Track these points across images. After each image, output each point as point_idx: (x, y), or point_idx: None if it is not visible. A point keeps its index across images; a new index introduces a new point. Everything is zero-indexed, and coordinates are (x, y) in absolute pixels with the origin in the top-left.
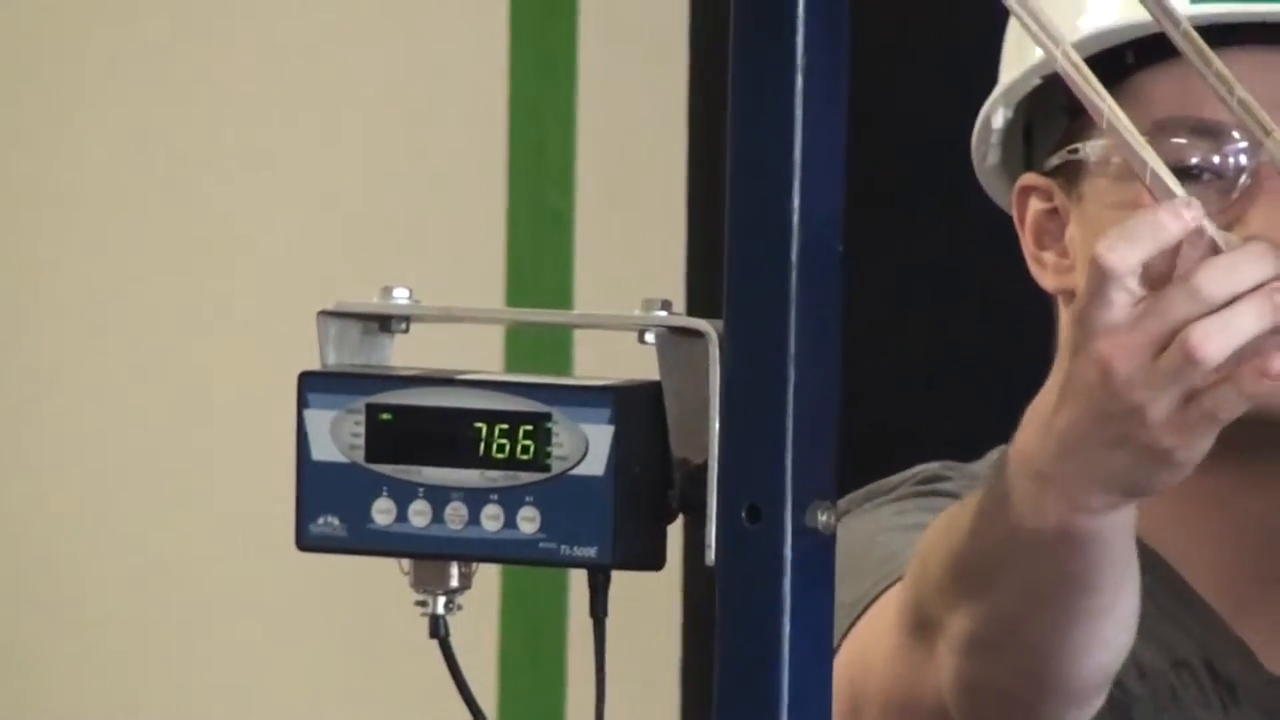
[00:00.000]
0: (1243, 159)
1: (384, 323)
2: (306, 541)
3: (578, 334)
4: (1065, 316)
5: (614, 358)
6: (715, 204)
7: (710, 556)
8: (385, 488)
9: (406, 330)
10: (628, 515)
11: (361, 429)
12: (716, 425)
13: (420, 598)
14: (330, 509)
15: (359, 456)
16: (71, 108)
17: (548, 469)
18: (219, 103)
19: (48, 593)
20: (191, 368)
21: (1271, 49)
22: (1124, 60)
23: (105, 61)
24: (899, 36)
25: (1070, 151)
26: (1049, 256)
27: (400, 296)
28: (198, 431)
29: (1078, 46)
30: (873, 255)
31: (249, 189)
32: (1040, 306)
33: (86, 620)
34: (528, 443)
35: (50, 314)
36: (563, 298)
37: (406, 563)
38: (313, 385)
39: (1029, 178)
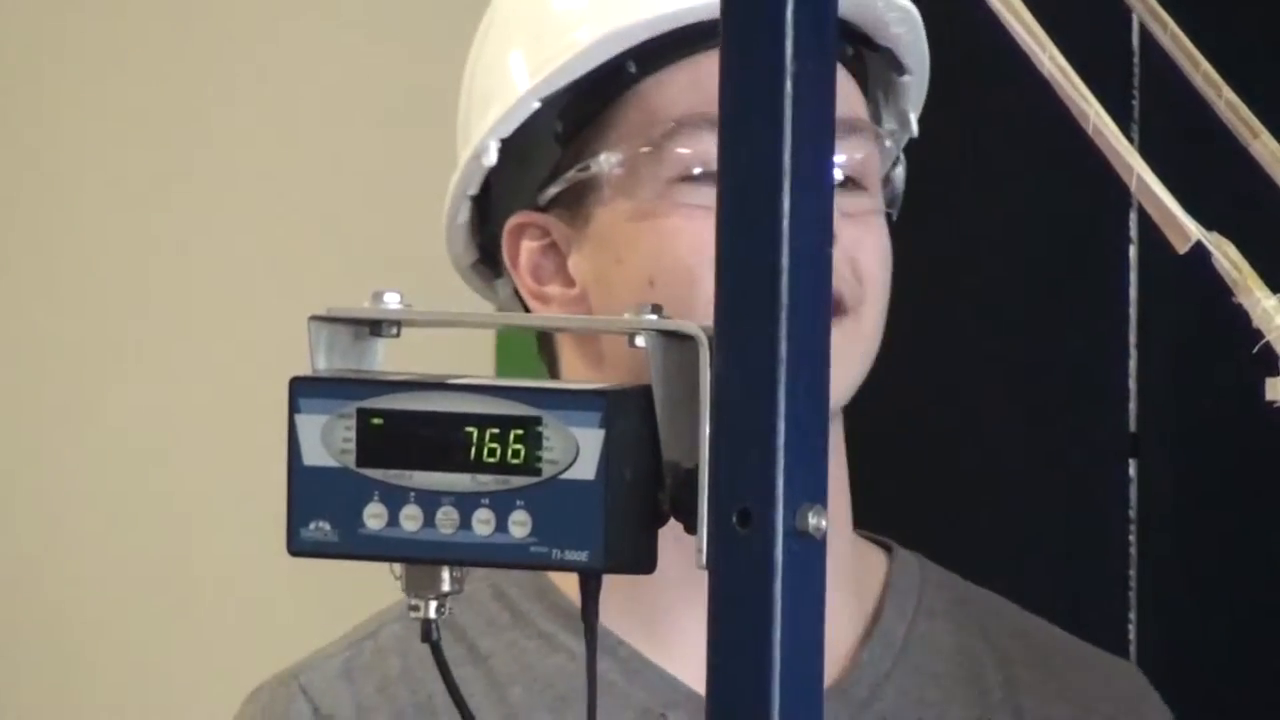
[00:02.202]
0: None
1: (375, 327)
2: (298, 546)
3: None
4: (575, 350)
5: None
6: None
7: (701, 560)
8: (376, 492)
9: (397, 335)
10: (619, 519)
11: (352, 434)
12: (707, 429)
13: (412, 602)
14: (321, 514)
15: (350, 461)
16: (62, 112)
17: (539, 473)
18: (210, 108)
19: (35, 597)
20: (182, 373)
21: None
22: (626, 71)
23: (95, 67)
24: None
25: (580, 171)
26: (553, 290)
27: (391, 301)
28: (188, 437)
29: (583, 58)
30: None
31: (240, 193)
32: (1036, 308)
33: (76, 624)
34: (518, 447)
35: (37, 317)
36: None
37: (398, 567)
38: (303, 390)
39: (520, 216)
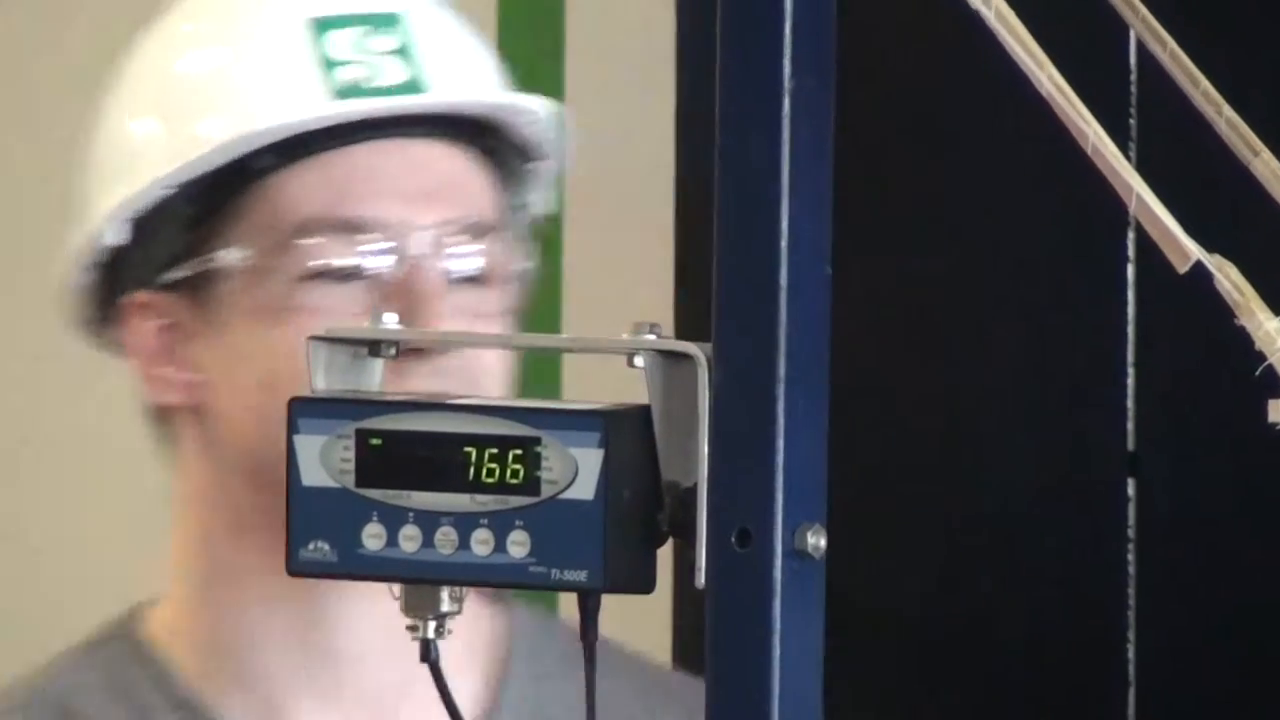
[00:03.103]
0: (389, 258)
1: (373, 348)
2: (296, 567)
3: (566, 357)
4: (191, 430)
5: (603, 381)
6: (704, 227)
7: (700, 580)
8: (375, 513)
9: (396, 355)
10: (618, 539)
11: (351, 454)
12: (706, 448)
13: (411, 622)
14: (320, 534)
15: (349, 482)
16: (55, 111)
17: (537, 493)
18: None
19: (33, 616)
20: None
21: (412, 140)
22: (255, 166)
23: (93, 68)
24: (890, 55)
25: (205, 261)
26: (170, 372)
27: (389, 321)
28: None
29: (213, 155)
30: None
31: None
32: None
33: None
34: (517, 467)
35: (30, 335)
36: (551, 321)
37: (397, 587)
38: (302, 411)
39: (140, 296)
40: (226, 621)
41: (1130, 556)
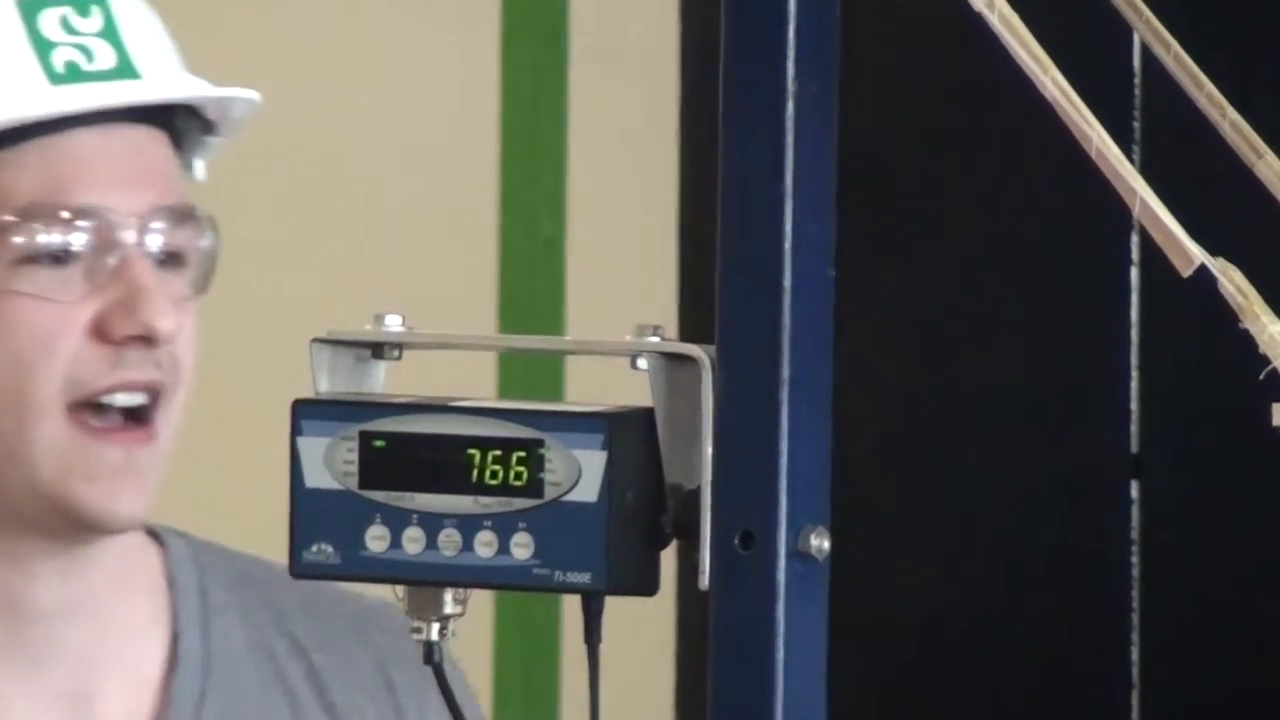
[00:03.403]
0: (106, 243)
1: (377, 350)
2: (300, 569)
3: (570, 360)
4: None
5: (606, 383)
6: (707, 230)
7: (704, 582)
8: (379, 514)
9: (399, 357)
10: (621, 541)
11: (355, 456)
12: (709, 451)
13: (415, 624)
14: (324, 536)
15: (352, 484)
16: None
17: (541, 495)
18: None
19: None
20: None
21: (124, 125)
22: None
23: None
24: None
25: None
26: None
27: (393, 324)
28: (190, 461)
29: None
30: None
31: (242, 217)
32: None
33: None
34: (521, 469)
35: None
36: (555, 324)
37: (401, 589)
38: (306, 413)
39: None
40: None
41: (1134, 558)
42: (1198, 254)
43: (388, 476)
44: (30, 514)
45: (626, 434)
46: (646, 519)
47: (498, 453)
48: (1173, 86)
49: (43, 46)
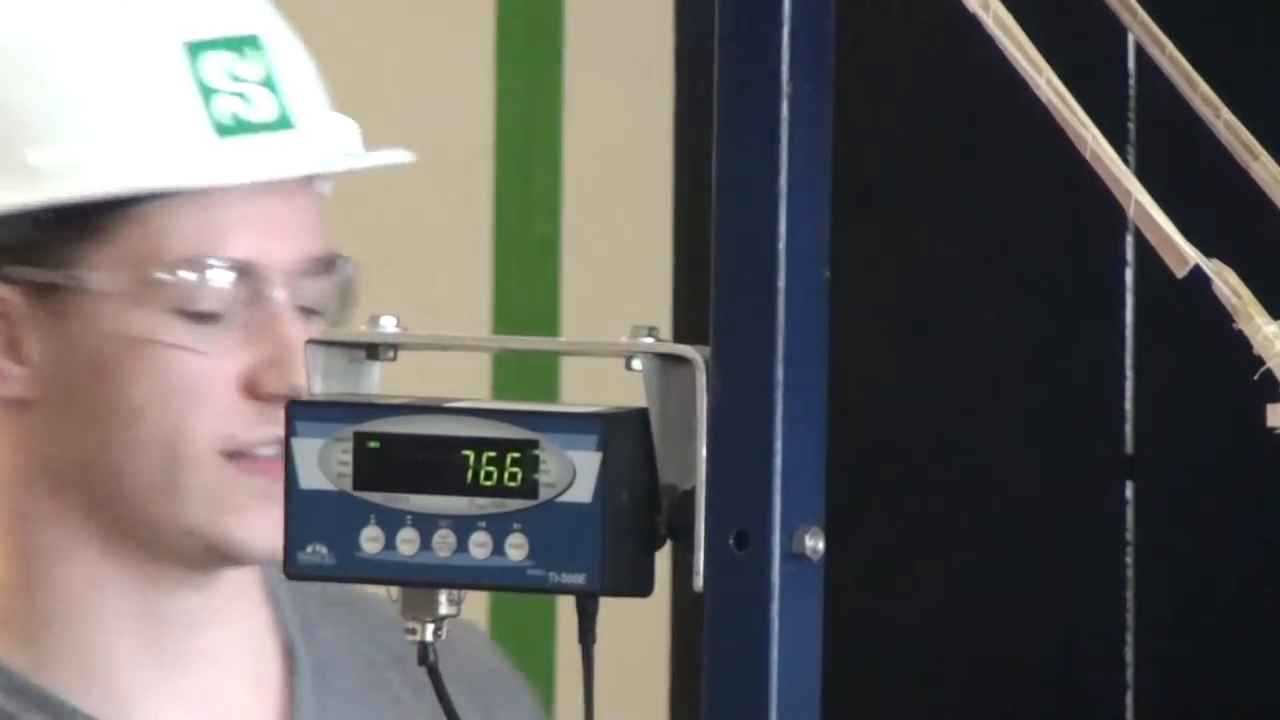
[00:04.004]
0: (254, 300)
1: (372, 351)
2: (295, 569)
3: (565, 361)
4: (9, 416)
5: (601, 384)
6: (702, 230)
7: (698, 583)
8: (373, 515)
9: (394, 358)
10: (616, 542)
11: (349, 457)
12: (704, 451)
13: (409, 625)
14: (318, 537)
15: (347, 485)
16: None
17: (535, 496)
18: None
19: None
20: None
21: (283, 180)
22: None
23: None
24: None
25: (66, 277)
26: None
27: (387, 325)
28: None
29: (96, 197)
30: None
31: None
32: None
33: None
34: (515, 470)
35: None
36: (550, 325)
37: (395, 590)
38: (300, 414)
39: None
40: (56, 605)
41: (1128, 559)
42: (1192, 255)
43: (382, 477)
44: (175, 545)
45: (621, 435)
46: (641, 520)
47: (492, 454)
48: (1168, 87)
49: (207, 93)
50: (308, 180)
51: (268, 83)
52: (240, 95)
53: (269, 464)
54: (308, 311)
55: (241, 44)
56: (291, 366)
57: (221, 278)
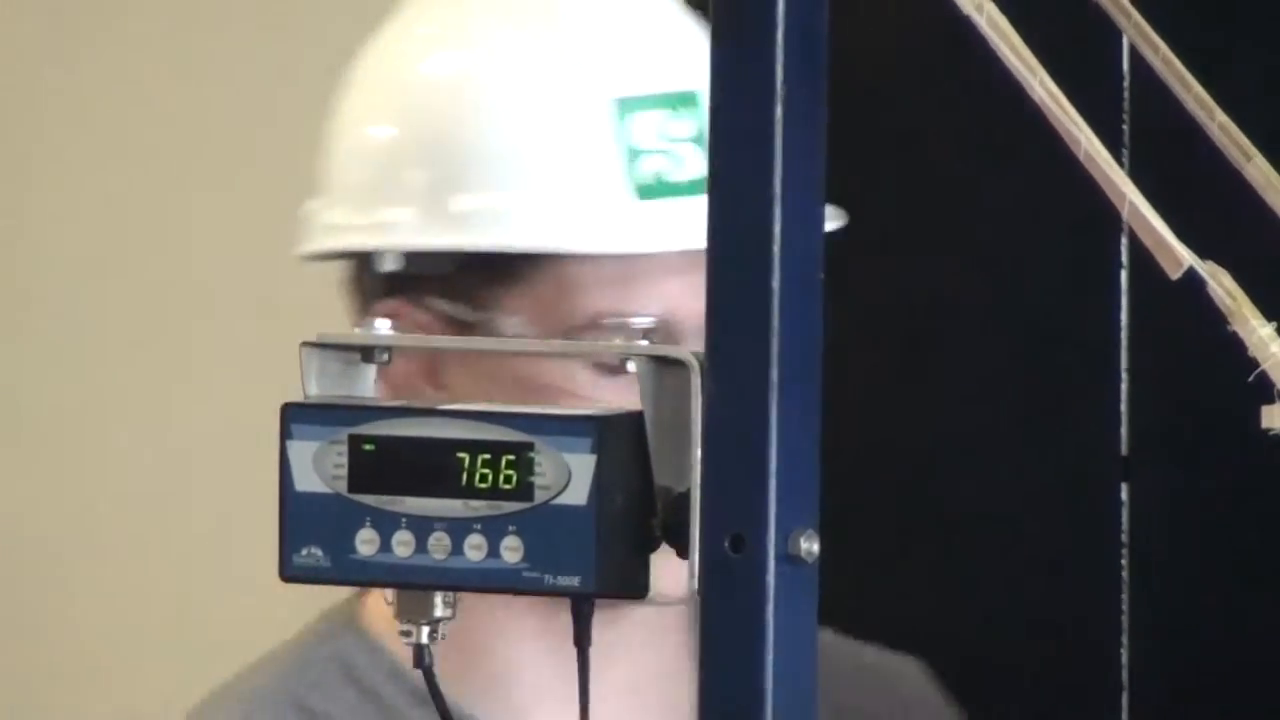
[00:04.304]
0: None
1: (366, 354)
2: (290, 572)
3: None
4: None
5: None
6: None
7: (693, 585)
8: (368, 518)
9: (389, 361)
10: (611, 544)
11: (344, 460)
12: (699, 454)
13: (404, 628)
14: (313, 540)
15: (342, 487)
16: (52, 152)
17: (530, 498)
18: (197, 131)
19: (23, 621)
20: (173, 399)
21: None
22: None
23: (94, 81)
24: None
25: (480, 315)
26: (419, 384)
27: (382, 327)
28: (179, 464)
29: (513, 248)
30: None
31: (231, 219)
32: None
33: (65, 651)
34: (510, 472)
35: (23, 340)
36: None
37: (390, 593)
38: (295, 416)
39: (397, 307)
40: (477, 638)
41: (1123, 560)
42: (1187, 257)
43: (377, 480)
44: None
45: (616, 437)
46: (636, 522)
47: (487, 456)
48: (1161, 89)
49: (632, 154)
50: None
51: (699, 140)
52: (667, 154)
53: None
54: None
55: (675, 101)
56: None
57: (634, 334)
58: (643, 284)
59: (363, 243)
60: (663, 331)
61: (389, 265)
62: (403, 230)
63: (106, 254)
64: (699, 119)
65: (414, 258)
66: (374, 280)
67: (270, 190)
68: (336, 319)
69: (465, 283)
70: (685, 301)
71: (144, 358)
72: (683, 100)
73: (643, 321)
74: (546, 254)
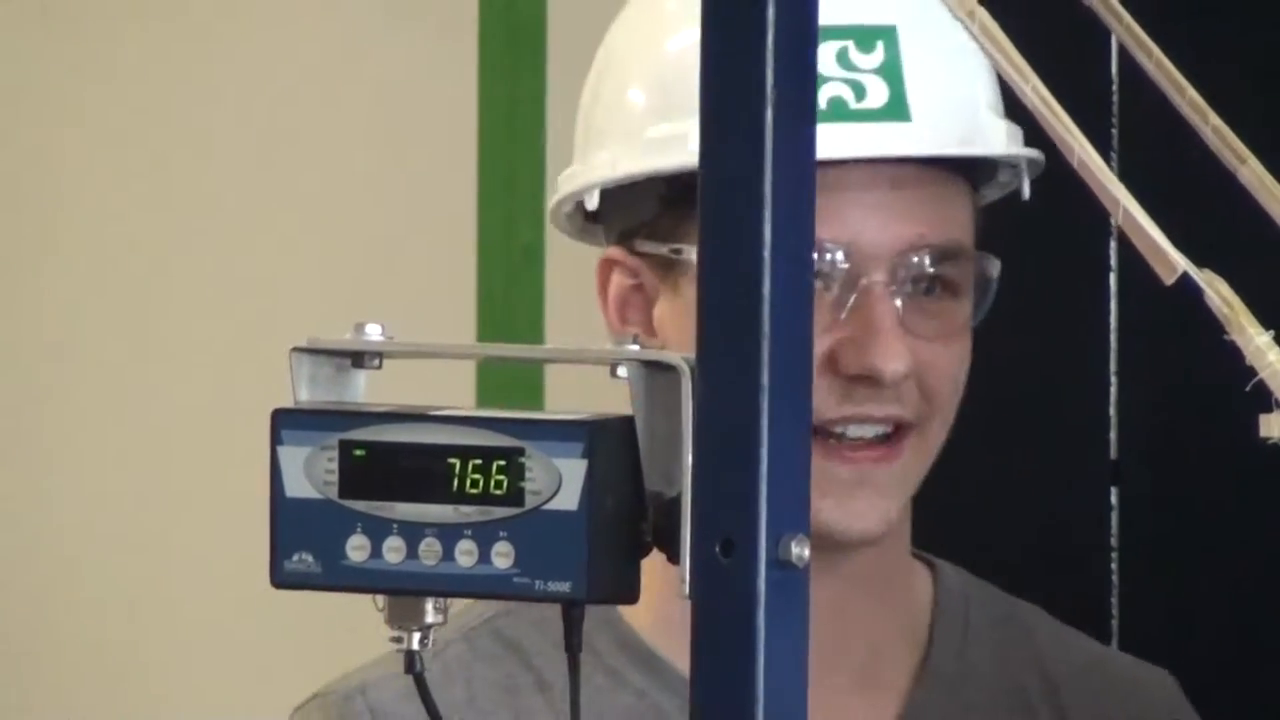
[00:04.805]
0: (848, 276)
1: (357, 359)
2: (281, 578)
3: (550, 368)
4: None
5: (586, 392)
6: None
7: (685, 590)
8: (359, 524)
9: (379, 366)
10: (602, 549)
11: (335, 465)
12: (689, 459)
13: (395, 634)
14: (304, 546)
15: (332, 493)
16: (55, 153)
17: (521, 504)
18: (193, 143)
19: (17, 639)
20: (164, 405)
21: (889, 162)
22: None
23: (89, 88)
24: None
25: (673, 251)
26: (635, 331)
27: (373, 333)
28: (171, 470)
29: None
30: None
31: (221, 226)
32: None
33: (60, 662)
34: (501, 478)
35: (15, 347)
36: (534, 332)
37: (381, 599)
38: (286, 422)
39: (614, 253)
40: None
41: (1114, 565)
42: (1181, 263)
43: (368, 486)
44: None
45: (607, 442)
46: (627, 527)
47: (478, 461)
48: (1151, 93)
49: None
50: (924, 168)
51: (886, 72)
52: (852, 84)
53: (856, 450)
54: (931, 293)
55: (862, 34)
56: (870, 349)
57: (820, 256)
58: (829, 207)
59: (572, 185)
60: (851, 264)
61: (592, 203)
62: (602, 167)
63: (106, 254)
64: (891, 52)
65: (619, 200)
66: (600, 233)
67: (272, 190)
68: (335, 321)
69: (665, 223)
70: (875, 229)
71: (144, 357)
72: (872, 34)
73: (826, 249)
74: None
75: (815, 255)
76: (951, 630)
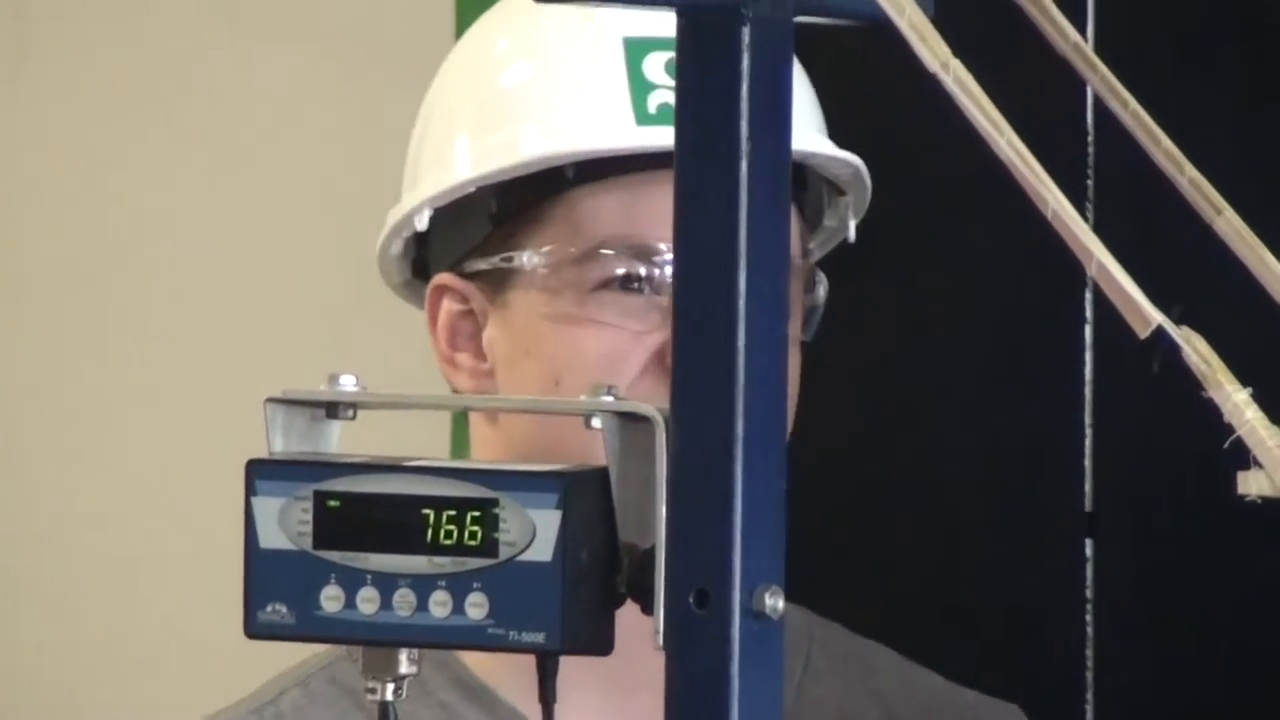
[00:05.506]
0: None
1: (331, 410)
2: (255, 629)
3: None
4: (475, 418)
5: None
6: None
7: (659, 641)
8: (333, 574)
9: (354, 417)
10: (576, 600)
11: (309, 516)
12: (664, 510)
13: (370, 684)
14: (278, 596)
15: (307, 544)
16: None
17: (495, 555)
18: (163, 184)
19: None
20: (137, 457)
21: None
22: (562, 175)
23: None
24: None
25: (504, 260)
26: (463, 358)
27: (347, 383)
28: (144, 521)
29: (522, 166)
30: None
31: (194, 274)
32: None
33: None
34: (475, 529)
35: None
36: None
37: (356, 649)
38: (260, 473)
39: (445, 278)
40: None
41: (1088, 617)
42: (1155, 316)
43: (342, 536)
44: None
45: (581, 493)
46: (601, 578)
47: (452, 512)
48: (1126, 144)
49: (641, 88)
50: None
51: None
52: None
53: None
54: None
55: None
56: None
57: (643, 256)
58: (648, 206)
59: (400, 212)
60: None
61: (422, 223)
62: (431, 185)
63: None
64: None
65: (448, 225)
66: (422, 289)
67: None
68: (312, 370)
69: (496, 240)
70: None
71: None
72: None
73: (651, 251)
74: (557, 185)
75: (638, 255)
76: (791, 667)
